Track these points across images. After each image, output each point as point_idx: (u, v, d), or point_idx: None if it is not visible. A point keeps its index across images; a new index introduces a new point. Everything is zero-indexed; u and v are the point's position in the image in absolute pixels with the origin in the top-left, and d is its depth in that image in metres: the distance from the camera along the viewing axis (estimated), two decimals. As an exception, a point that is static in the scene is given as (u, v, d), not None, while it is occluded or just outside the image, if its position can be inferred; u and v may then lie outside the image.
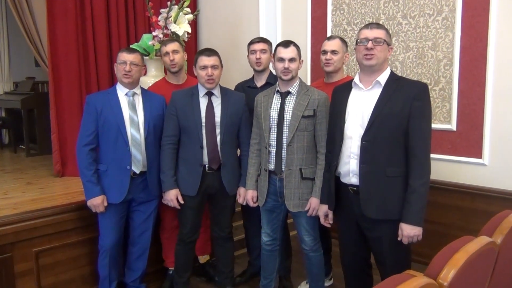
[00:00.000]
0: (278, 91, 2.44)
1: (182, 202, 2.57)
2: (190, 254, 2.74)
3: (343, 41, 2.72)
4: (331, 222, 2.29)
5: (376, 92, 2.03)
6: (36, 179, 3.63)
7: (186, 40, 3.67)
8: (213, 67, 2.49)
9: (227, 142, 2.59)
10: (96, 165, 2.51)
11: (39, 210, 2.63)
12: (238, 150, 2.73)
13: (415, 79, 3.03)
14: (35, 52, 4.22)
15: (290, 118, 2.36)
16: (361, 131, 2.02)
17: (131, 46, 3.47)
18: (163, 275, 3.03)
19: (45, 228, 2.59)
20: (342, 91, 2.18)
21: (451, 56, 3.07)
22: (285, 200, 2.41)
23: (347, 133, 2.08)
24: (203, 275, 3.15)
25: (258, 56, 2.77)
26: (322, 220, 2.33)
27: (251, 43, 2.84)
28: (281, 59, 2.34)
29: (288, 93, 2.39)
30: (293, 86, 2.40)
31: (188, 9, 3.68)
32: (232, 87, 2.92)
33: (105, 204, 2.50)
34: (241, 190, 2.63)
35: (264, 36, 3.45)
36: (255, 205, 2.58)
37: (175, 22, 3.53)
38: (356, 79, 2.10)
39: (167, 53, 2.83)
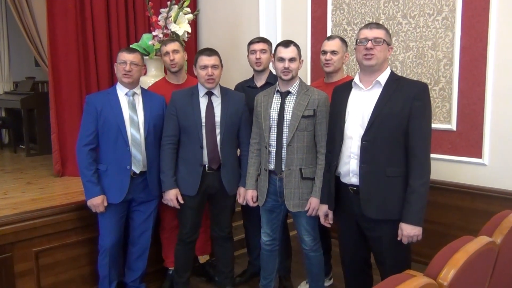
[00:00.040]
0: (278, 91, 2.44)
1: (182, 202, 2.57)
2: (190, 254, 2.74)
3: (343, 41, 2.72)
4: (331, 222, 2.29)
5: (376, 92, 2.03)
6: (36, 179, 3.63)
7: (186, 40, 3.67)
8: (214, 66, 2.49)
9: (227, 142, 2.59)
10: (96, 165, 2.51)
11: (39, 210, 2.63)
12: (238, 150, 2.73)
13: (415, 79, 3.03)
14: (35, 52, 4.23)
15: (290, 118, 2.36)
16: (361, 131, 2.02)
17: (131, 46, 3.47)
18: (163, 275, 3.03)
19: (45, 228, 2.59)
20: (342, 91, 2.18)
21: (451, 56, 3.07)
22: (285, 200, 2.40)
23: (347, 133, 2.08)
24: (203, 275, 3.15)
25: (258, 56, 2.77)
26: (322, 220, 2.32)
27: (251, 43, 2.84)
28: (281, 59, 2.33)
29: (288, 93, 2.39)
30: (293, 86, 2.40)
31: (188, 9, 3.68)
32: (232, 87, 2.92)
33: (105, 204, 2.50)
34: (241, 190, 2.63)
35: (264, 36, 3.44)
36: (255, 205, 2.57)
37: (175, 22, 3.53)
38: (356, 79, 2.10)
39: (167, 53, 2.83)
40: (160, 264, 3.03)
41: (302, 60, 2.44)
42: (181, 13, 3.57)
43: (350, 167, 2.07)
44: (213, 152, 2.55)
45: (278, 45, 2.41)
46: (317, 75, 3.72)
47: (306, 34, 3.88)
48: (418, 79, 3.19)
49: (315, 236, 2.48)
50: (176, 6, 3.54)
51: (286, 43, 2.37)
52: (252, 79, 2.94)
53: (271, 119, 2.41)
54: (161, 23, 3.51)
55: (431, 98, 2.66)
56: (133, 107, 2.56)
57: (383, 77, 2.03)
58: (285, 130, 2.36)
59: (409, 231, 1.94)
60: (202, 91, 2.57)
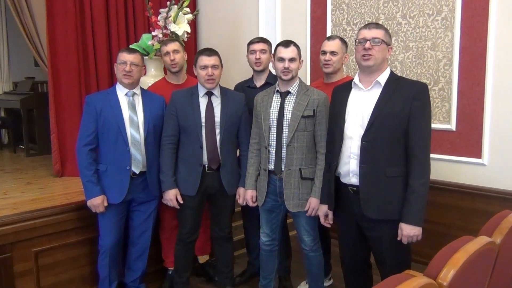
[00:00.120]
0: (278, 91, 2.44)
1: (181, 202, 2.57)
2: (189, 254, 2.74)
3: (343, 41, 2.72)
4: (331, 222, 2.29)
5: (376, 92, 2.03)
6: (36, 179, 3.63)
7: (185, 40, 3.67)
8: (214, 67, 2.49)
9: (227, 142, 2.59)
10: (96, 165, 2.51)
11: (38, 210, 2.63)
12: (238, 150, 2.73)
13: (415, 79, 3.03)
14: (34, 52, 4.22)
15: (289, 118, 2.36)
16: (361, 131, 2.02)
17: (130, 46, 3.47)
18: (163, 275, 3.03)
19: (44, 228, 2.59)
20: (342, 91, 2.18)
21: (450, 56, 3.08)
22: (284, 200, 2.40)
23: (347, 133, 2.08)
24: (202, 275, 3.16)
25: (257, 56, 2.77)
26: (322, 220, 2.33)
27: (251, 43, 2.84)
28: (281, 59, 2.34)
29: (288, 93, 2.39)
30: (293, 86, 2.40)
31: (188, 9, 3.68)
32: (232, 87, 2.92)
33: (105, 204, 2.50)
34: (241, 190, 2.63)
35: (264, 36, 3.44)
36: (254, 205, 2.57)
37: (174, 22, 3.53)
38: (356, 79, 2.10)
39: (167, 53, 2.83)
40: (160, 264, 3.03)
41: (302, 60, 2.44)
42: (180, 13, 3.57)
43: (350, 167, 2.07)
44: (213, 152, 2.55)
45: (278, 45, 2.41)
46: (317, 75, 3.72)
47: (305, 34, 3.88)
48: (418, 79, 3.19)
49: (315, 236, 2.48)
50: (175, 6, 3.54)
51: (286, 43, 2.37)
52: (251, 79, 2.94)
53: (271, 119, 2.41)
54: (161, 23, 3.51)
55: (431, 98, 2.65)
56: (133, 107, 2.56)
57: (383, 77, 2.03)
58: (284, 130, 2.36)
59: (409, 231, 1.94)
60: (202, 91, 2.57)
